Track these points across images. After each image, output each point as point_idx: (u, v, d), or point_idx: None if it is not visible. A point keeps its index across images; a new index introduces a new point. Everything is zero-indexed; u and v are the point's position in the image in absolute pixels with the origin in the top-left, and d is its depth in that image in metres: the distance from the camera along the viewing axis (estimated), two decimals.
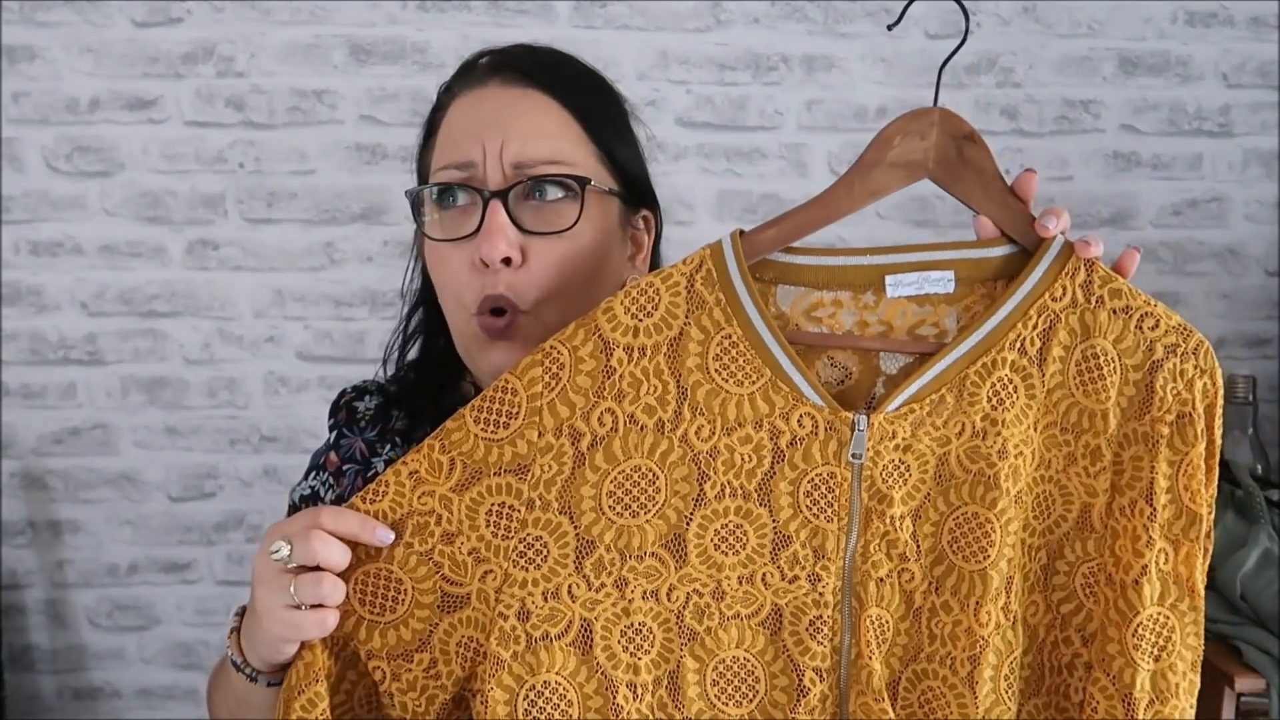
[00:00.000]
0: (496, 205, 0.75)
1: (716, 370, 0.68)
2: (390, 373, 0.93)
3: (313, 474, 0.89)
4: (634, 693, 0.70)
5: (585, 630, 0.69)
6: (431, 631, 0.68)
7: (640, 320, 0.68)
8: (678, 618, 0.70)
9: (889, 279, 0.71)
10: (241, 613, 0.75)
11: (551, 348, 0.68)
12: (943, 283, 0.71)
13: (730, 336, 0.68)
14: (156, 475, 1.88)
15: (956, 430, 0.69)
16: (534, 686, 0.68)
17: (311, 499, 0.87)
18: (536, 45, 0.85)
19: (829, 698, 0.71)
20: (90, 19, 1.74)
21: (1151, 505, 0.69)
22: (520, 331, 0.77)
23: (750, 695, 0.71)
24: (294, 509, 0.89)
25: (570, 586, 0.68)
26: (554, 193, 0.77)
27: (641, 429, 0.68)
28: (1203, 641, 0.72)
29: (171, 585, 1.91)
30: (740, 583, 0.70)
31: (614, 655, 0.69)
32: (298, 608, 0.65)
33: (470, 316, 0.78)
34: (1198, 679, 0.72)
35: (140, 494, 1.88)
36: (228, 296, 1.83)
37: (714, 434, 0.69)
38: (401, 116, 1.78)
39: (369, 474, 0.86)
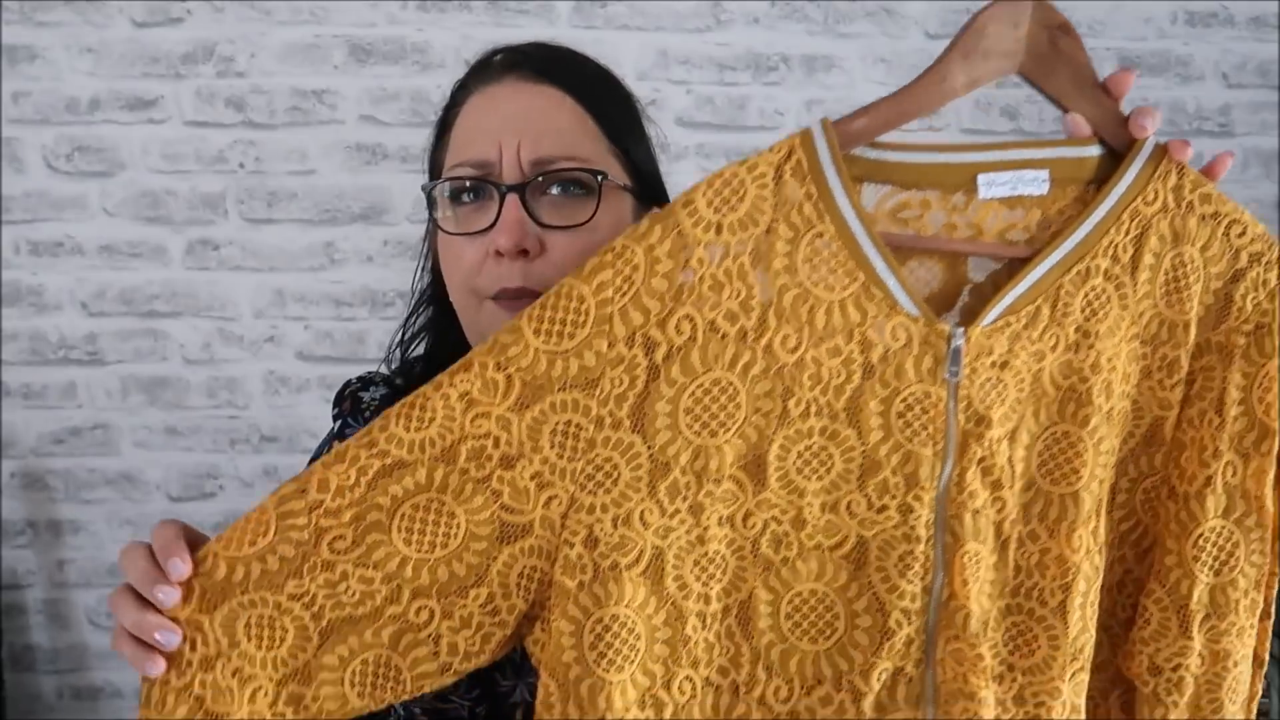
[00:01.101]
0: (513, 199, 0.75)
1: (806, 273, 0.62)
2: (394, 368, 0.93)
3: None
4: (703, 622, 0.65)
5: (657, 559, 0.63)
6: (489, 565, 0.63)
7: (724, 215, 0.61)
8: (753, 546, 0.64)
9: (981, 178, 0.65)
10: None
11: (624, 247, 0.60)
12: (1037, 183, 0.65)
13: (821, 235, 0.62)
14: (157, 475, 1.88)
15: (1051, 344, 0.65)
16: (601, 620, 0.62)
17: None
18: (551, 43, 0.85)
19: (915, 641, 0.65)
20: (90, 19, 1.74)
21: (1221, 416, 0.66)
22: None
23: (828, 633, 0.66)
24: None
25: (642, 512, 0.62)
26: (572, 188, 0.77)
27: (723, 337, 0.61)
28: (1271, 562, 0.68)
29: None
30: (823, 510, 0.64)
31: (685, 585, 0.64)
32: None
33: (482, 302, 0.78)
34: (1261, 598, 0.68)
35: (141, 494, 1.88)
36: (228, 296, 1.83)
37: (800, 344, 0.62)
38: (401, 116, 1.78)
39: None
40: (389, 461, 0.62)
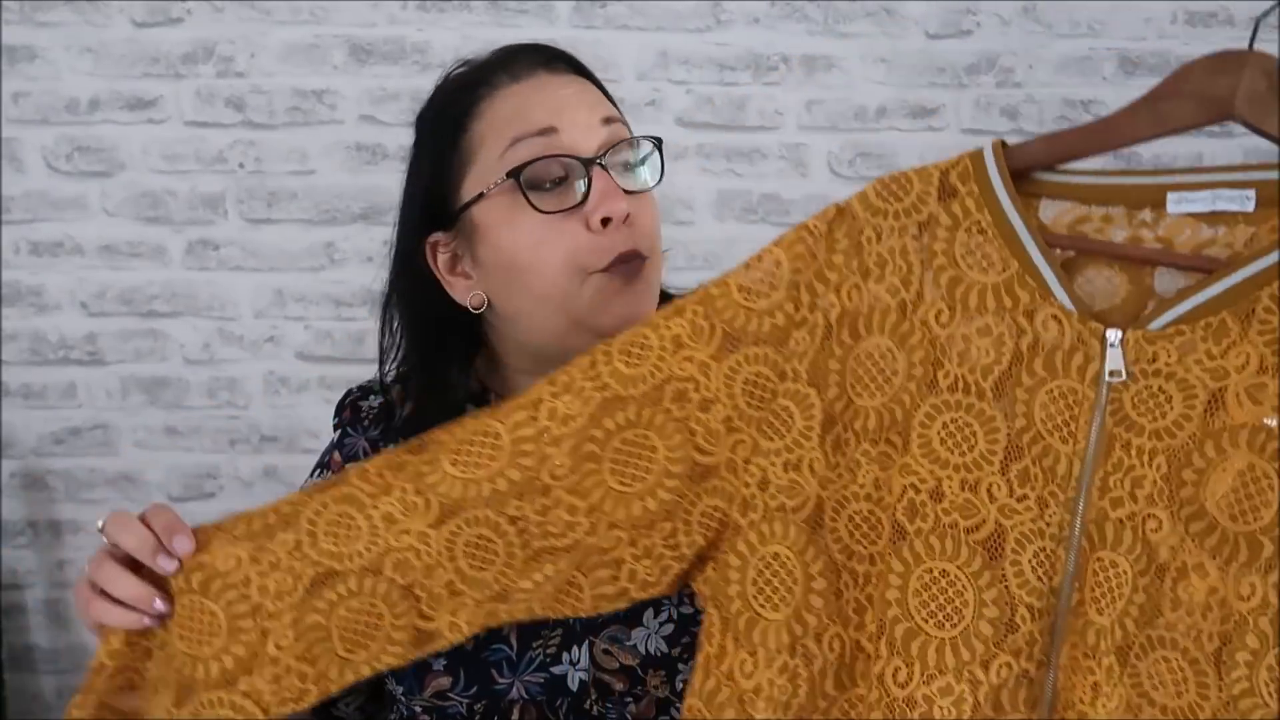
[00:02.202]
0: (601, 170, 0.78)
1: (962, 255, 0.66)
2: (385, 373, 0.92)
3: (317, 472, 0.89)
4: (855, 580, 0.67)
5: (818, 508, 0.67)
6: (678, 501, 0.68)
7: (889, 203, 0.68)
8: (890, 512, 0.66)
9: (1172, 195, 0.63)
10: None
11: (813, 225, 0.68)
12: (1240, 200, 0.62)
13: (979, 223, 0.66)
14: (157, 475, 1.88)
15: (1240, 363, 0.60)
16: (764, 556, 0.66)
17: None
18: (544, 42, 0.86)
19: (1038, 642, 0.63)
20: (90, 19, 1.74)
21: None
22: (644, 277, 0.80)
23: (954, 619, 0.64)
24: None
25: (811, 461, 0.67)
26: (644, 151, 0.82)
27: (885, 308, 0.67)
28: None
29: None
30: (962, 488, 0.64)
31: (840, 539, 0.66)
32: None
33: (588, 276, 0.78)
34: None
35: (141, 494, 1.88)
36: (228, 296, 1.83)
37: (952, 320, 0.65)
38: (401, 116, 1.78)
39: None
40: (608, 395, 0.68)
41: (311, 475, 0.90)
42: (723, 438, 0.68)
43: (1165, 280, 0.64)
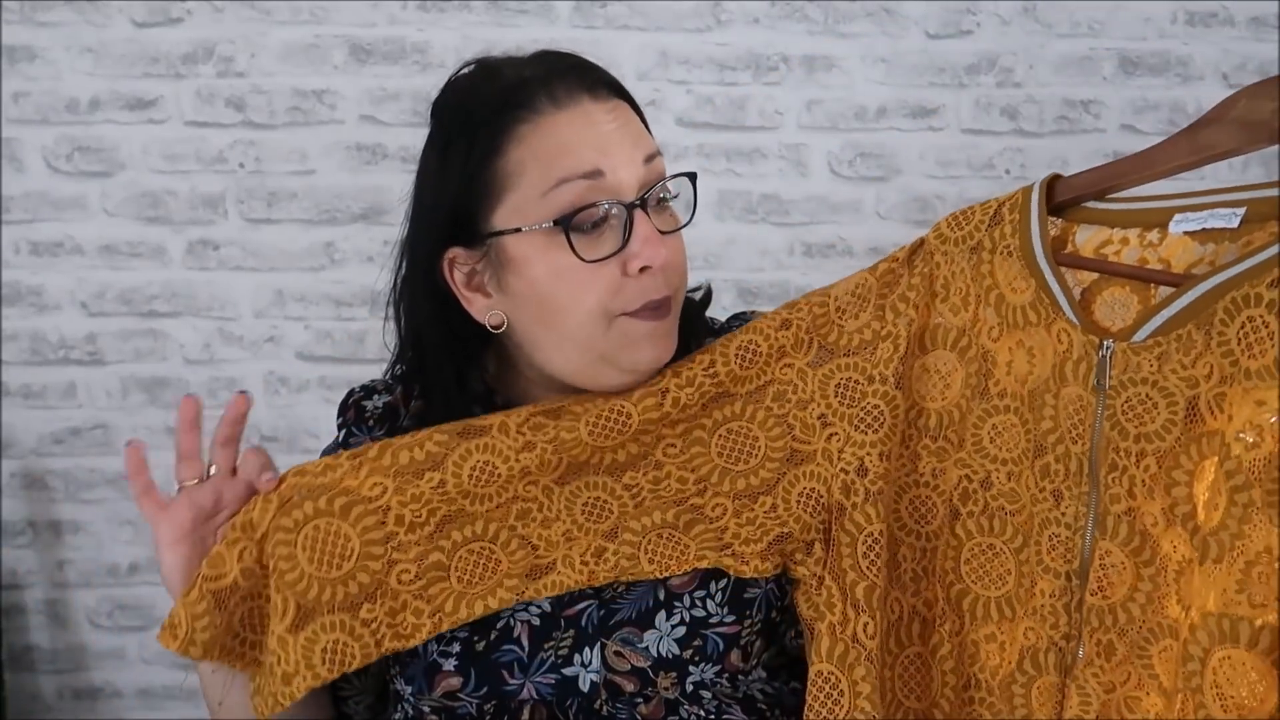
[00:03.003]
0: (643, 214, 0.78)
1: (1003, 277, 0.74)
2: (387, 374, 0.92)
3: None
4: (913, 554, 0.79)
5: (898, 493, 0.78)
6: (779, 480, 0.79)
7: (954, 232, 0.78)
8: (947, 498, 0.78)
9: (1176, 216, 0.67)
10: None
11: (897, 254, 0.80)
12: (1228, 217, 0.64)
13: (1009, 247, 0.74)
14: (157, 476, 1.87)
15: (1205, 372, 0.63)
16: (871, 534, 0.76)
17: None
18: (577, 55, 0.84)
19: (1061, 617, 0.71)
20: (90, 19, 1.74)
21: None
22: (671, 314, 0.81)
23: (999, 584, 0.76)
24: None
25: (893, 451, 0.77)
26: (678, 190, 0.83)
27: (949, 325, 0.77)
28: None
29: None
30: (1008, 479, 0.75)
31: (900, 518, 0.78)
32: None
33: (616, 319, 0.78)
34: None
35: None
36: (228, 296, 1.83)
37: (1000, 334, 0.75)
38: (402, 116, 1.78)
39: None
40: (720, 391, 0.80)
41: None
42: (818, 431, 0.79)
43: (1162, 297, 0.67)
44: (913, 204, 1.84)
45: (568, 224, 0.76)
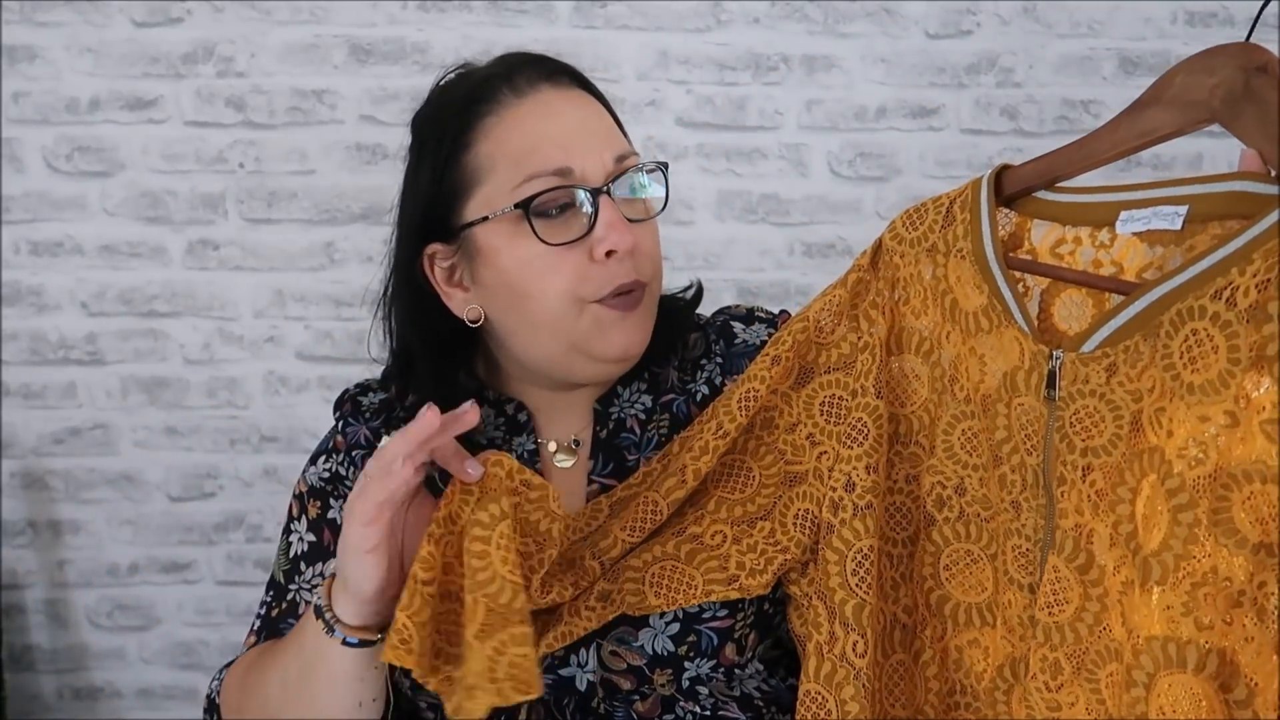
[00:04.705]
0: (608, 200, 0.78)
1: (955, 282, 0.71)
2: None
3: (323, 458, 0.89)
4: (891, 562, 0.77)
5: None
6: (775, 504, 0.78)
7: (910, 232, 0.75)
8: (922, 504, 0.76)
9: (1122, 214, 0.63)
10: (334, 577, 0.73)
11: (860, 261, 0.77)
12: (1171, 218, 0.60)
13: (962, 251, 0.71)
14: (157, 475, 1.88)
15: (1149, 385, 0.59)
16: (860, 550, 0.73)
17: (333, 480, 0.88)
18: (546, 53, 0.85)
19: (1026, 628, 0.69)
20: (90, 19, 1.74)
21: None
22: (643, 304, 0.81)
23: (978, 590, 0.74)
24: (302, 498, 0.89)
25: (880, 463, 0.75)
26: (650, 180, 0.82)
27: (912, 328, 0.75)
28: None
29: (172, 585, 1.91)
30: (980, 485, 0.73)
31: (881, 529, 0.76)
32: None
33: (585, 307, 0.79)
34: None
35: (140, 494, 1.88)
36: (228, 296, 1.83)
37: (960, 341, 0.72)
38: (401, 116, 1.77)
39: None
40: (731, 446, 0.79)
41: (315, 463, 0.90)
42: (808, 450, 0.78)
43: (1115, 303, 0.63)
44: (912, 204, 1.84)
45: (528, 207, 0.77)
